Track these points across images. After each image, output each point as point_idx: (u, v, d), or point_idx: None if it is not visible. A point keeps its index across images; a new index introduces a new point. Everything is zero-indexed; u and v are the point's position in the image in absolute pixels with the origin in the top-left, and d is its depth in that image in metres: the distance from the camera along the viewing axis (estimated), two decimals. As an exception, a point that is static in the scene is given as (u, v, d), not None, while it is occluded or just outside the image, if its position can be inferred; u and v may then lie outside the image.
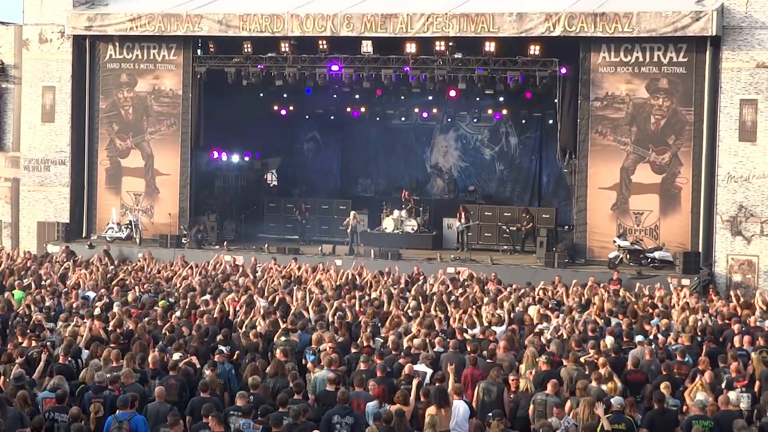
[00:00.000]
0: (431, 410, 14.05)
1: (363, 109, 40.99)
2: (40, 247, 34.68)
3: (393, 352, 17.04)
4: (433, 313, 20.77)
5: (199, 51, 35.18)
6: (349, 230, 34.16)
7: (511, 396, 15.26)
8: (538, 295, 23.95)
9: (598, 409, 13.74)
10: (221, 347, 16.93)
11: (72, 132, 35.81)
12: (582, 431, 13.46)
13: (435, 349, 17.27)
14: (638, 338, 18.43)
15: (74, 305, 21.11)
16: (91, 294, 22.73)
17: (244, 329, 18.82)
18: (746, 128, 29.85)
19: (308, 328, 18.91)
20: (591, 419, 13.74)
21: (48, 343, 17.13)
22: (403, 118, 41.88)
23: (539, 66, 31.58)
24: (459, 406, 14.34)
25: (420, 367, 16.14)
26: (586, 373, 15.91)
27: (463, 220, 33.61)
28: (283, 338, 17.97)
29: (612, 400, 14.09)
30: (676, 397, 15.36)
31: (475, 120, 40.82)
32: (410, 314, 20.50)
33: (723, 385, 15.49)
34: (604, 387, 15.15)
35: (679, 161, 30.71)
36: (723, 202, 30.07)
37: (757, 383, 16.12)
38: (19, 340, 17.26)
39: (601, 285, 25.98)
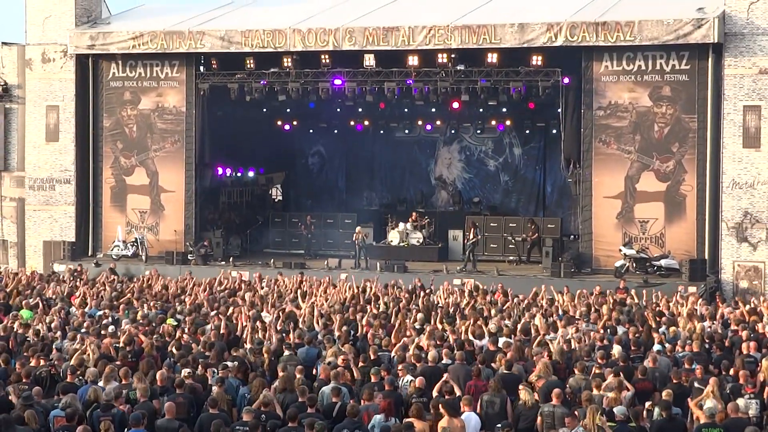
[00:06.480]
0: (443, 422, 13.97)
1: (366, 123, 41.06)
2: (47, 267, 34.72)
3: (400, 365, 17.01)
4: (440, 325, 20.74)
5: (201, 67, 35.19)
6: (357, 245, 34.09)
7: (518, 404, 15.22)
8: (543, 305, 23.90)
9: (601, 419, 13.68)
10: (229, 363, 16.92)
11: (76, 151, 35.90)
12: None
13: (443, 361, 17.24)
14: (657, 347, 18.43)
15: (83, 324, 21.09)
16: (98, 312, 22.73)
17: (251, 345, 18.81)
18: (750, 134, 29.82)
19: (315, 343, 18.91)
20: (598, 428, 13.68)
21: (56, 362, 17.15)
22: (406, 131, 41.87)
23: (542, 76, 31.61)
24: (471, 418, 14.28)
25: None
26: (593, 383, 15.84)
27: (471, 236, 33.39)
28: (286, 353, 17.97)
29: (615, 410, 14.03)
30: (684, 405, 15.30)
31: (478, 131, 40.78)
32: (417, 327, 20.48)
33: (728, 392, 15.42)
34: (609, 395, 15.03)
35: (684, 169, 30.70)
36: (728, 208, 30.03)
37: (767, 390, 16.06)
38: (25, 360, 17.25)
39: (608, 294, 25.94)
